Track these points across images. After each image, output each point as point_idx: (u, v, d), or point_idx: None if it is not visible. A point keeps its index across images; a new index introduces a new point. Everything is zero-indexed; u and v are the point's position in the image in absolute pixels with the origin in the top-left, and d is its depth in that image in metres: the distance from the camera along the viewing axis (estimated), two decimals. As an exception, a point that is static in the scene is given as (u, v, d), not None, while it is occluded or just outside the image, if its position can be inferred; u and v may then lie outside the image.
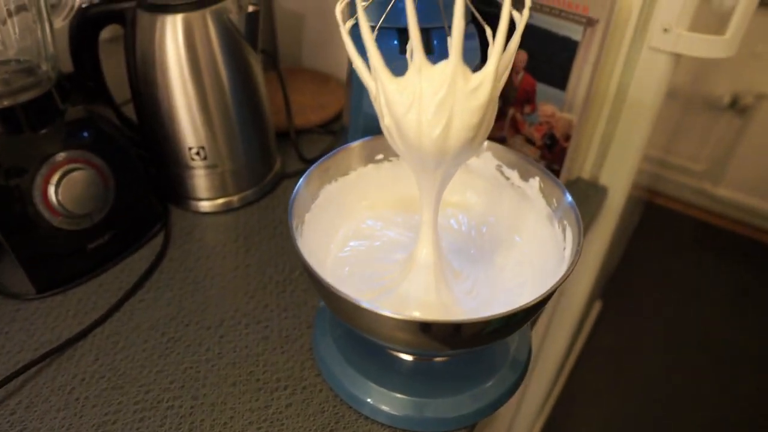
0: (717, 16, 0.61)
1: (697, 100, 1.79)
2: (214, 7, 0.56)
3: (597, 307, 1.65)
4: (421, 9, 0.48)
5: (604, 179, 0.73)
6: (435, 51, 0.52)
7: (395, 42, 0.52)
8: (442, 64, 0.31)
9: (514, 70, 0.64)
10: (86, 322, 0.54)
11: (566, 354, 1.11)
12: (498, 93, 0.32)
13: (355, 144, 0.49)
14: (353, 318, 0.37)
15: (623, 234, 1.44)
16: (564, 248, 0.43)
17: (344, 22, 0.32)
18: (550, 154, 0.66)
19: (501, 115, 0.68)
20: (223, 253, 0.62)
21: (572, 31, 0.58)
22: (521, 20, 0.33)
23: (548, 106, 0.63)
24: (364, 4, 0.31)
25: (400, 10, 0.49)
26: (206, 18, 0.56)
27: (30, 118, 0.52)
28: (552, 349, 1.03)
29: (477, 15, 0.37)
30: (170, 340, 0.53)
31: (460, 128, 0.31)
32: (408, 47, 0.32)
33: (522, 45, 0.61)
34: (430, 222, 0.38)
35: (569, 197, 0.44)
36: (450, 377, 0.48)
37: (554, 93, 0.62)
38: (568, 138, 0.64)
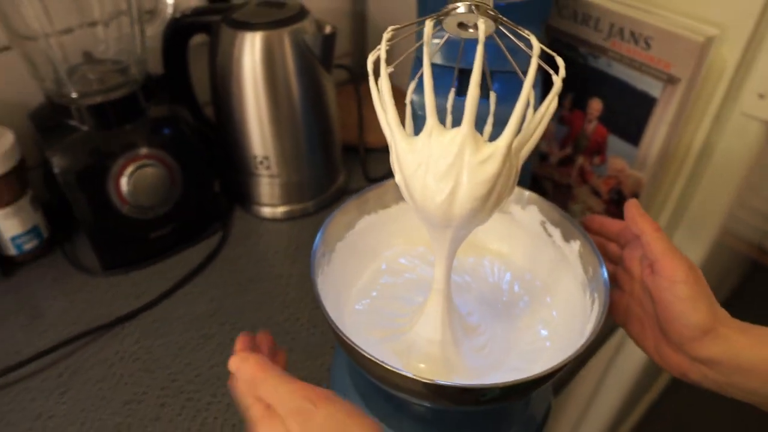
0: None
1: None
2: (292, 27, 0.59)
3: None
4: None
5: (677, 242, 0.68)
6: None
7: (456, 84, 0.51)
8: (454, 131, 0.30)
9: (587, 119, 0.61)
10: (137, 304, 0.59)
11: (622, 413, 1.05)
12: (515, 165, 0.32)
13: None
14: (351, 354, 0.38)
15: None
16: (588, 323, 0.41)
17: (374, 72, 0.33)
18: (616, 209, 0.63)
19: (570, 162, 0.66)
20: (272, 261, 0.65)
21: (651, 86, 0.55)
22: (554, 87, 0.31)
23: (618, 160, 0.60)
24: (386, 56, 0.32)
25: (464, 51, 0.49)
26: (283, 37, 0.58)
27: (117, 115, 0.57)
28: (602, 406, 0.98)
29: (508, 62, 0.36)
30: (204, 336, 0.56)
31: (465, 198, 0.30)
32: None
33: (598, 93, 0.59)
34: (442, 277, 0.38)
35: (605, 272, 0.42)
36: (462, 428, 0.47)
37: (626, 148, 0.59)
38: (635, 196, 0.60)
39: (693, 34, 0.51)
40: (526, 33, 0.30)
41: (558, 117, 0.65)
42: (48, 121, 0.58)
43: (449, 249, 0.35)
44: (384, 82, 0.32)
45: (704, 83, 0.55)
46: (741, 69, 0.54)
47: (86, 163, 0.56)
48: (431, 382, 0.34)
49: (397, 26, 0.32)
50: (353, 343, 0.35)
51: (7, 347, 0.55)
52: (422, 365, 0.41)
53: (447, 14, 0.32)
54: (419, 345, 0.40)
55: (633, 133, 0.58)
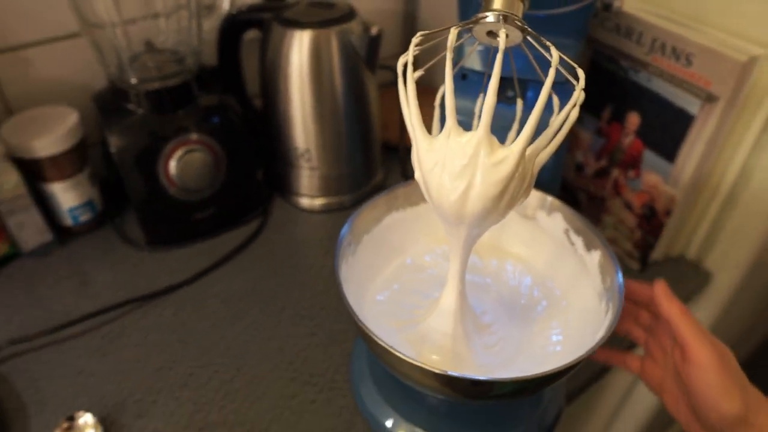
0: None
1: None
2: (339, 27, 0.61)
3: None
4: (518, 59, 0.49)
5: (710, 264, 0.67)
6: (528, 101, 0.52)
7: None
8: (471, 133, 0.32)
9: (624, 132, 0.61)
10: (177, 279, 0.63)
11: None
12: (530, 170, 0.33)
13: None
14: (367, 340, 0.40)
15: (755, 326, 1.28)
16: (599, 331, 0.42)
17: (403, 74, 0.35)
18: (648, 225, 0.63)
19: (605, 174, 0.66)
20: (306, 250, 0.68)
21: (690, 103, 0.54)
22: (573, 97, 0.32)
23: (653, 175, 0.60)
24: (413, 60, 0.34)
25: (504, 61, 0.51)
26: (330, 37, 0.61)
27: (171, 101, 0.61)
28: (627, 421, 0.97)
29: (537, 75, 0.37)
30: (236, 315, 0.60)
31: (477, 198, 0.32)
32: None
33: (636, 107, 0.59)
34: (456, 273, 0.39)
35: (620, 278, 0.43)
36: (470, 423, 0.48)
37: (661, 164, 0.59)
38: (668, 213, 0.60)
39: (736, 52, 0.50)
40: (548, 43, 0.32)
41: (596, 129, 0.65)
42: (109, 103, 0.62)
43: (464, 246, 0.37)
44: (410, 84, 0.34)
45: (746, 103, 0.54)
46: (786, 91, 0.53)
47: (140, 144, 0.60)
48: (442, 372, 0.35)
49: (426, 32, 0.34)
50: (367, 328, 0.37)
51: (58, 308, 0.60)
52: (434, 356, 0.42)
53: (476, 23, 0.34)
54: (432, 337, 0.42)
55: (669, 149, 0.58)
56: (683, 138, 0.56)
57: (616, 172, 0.64)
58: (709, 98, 0.53)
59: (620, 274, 0.43)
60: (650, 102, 0.58)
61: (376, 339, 0.37)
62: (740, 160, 0.58)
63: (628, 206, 0.64)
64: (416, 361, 0.35)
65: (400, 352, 0.36)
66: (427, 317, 0.43)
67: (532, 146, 0.32)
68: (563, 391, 0.52)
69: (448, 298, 0.41)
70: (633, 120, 0.60)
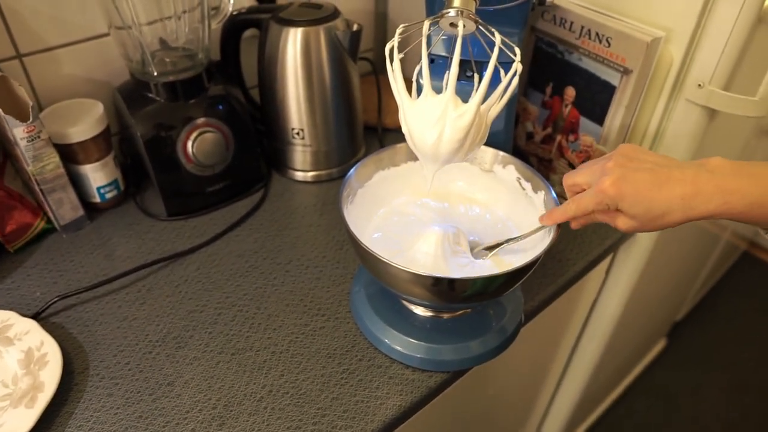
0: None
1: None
2: (326, 25, 0.73)
3: (661, 344, 1.66)
4: (474, 47, 0.62)
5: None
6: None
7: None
8: (441, 95, 0.45)
9: (563, 104, 0.75)
10: (196, 242, 0.74)
11: (594, 370, 1.17)
12: (483, 122, 0.46)
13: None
14: (364, 260, 0.52)
15: (691, 276, 1.45)
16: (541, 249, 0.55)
17: (391, 58, 0.47)
18: (586, 179, 0.76)
19: (550, 140, 0.79)
20: (303, 213, 0.80)
21: (611, 76, 0.68)
22: (513, 67, 0.45)
23: (588, 137, 0.74)
24: (398, 49, 0.46)
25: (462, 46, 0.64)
26: (319, 33, 0.73)
27: (184, 91, 0.72)
28: (580, 366, 1.12)
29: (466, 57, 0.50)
30: (250, 267, 0.71)
31: (448, 140, 0.45)
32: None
33: (572, 83, 0.73)
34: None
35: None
36: (448, 332, 0.61)
37: (594, 127, 0.73)
38: (601, 167, 0.74)
39: (642, 35, 0.64)
40: (493, 30, 0.45)
41: (541, 102, 0.78)
42: (132, 94, 0.73)
43: (436, 173, 0.50)
44: (396, 63, 0.46)
45: (656, 75, 0.68)
46: (684, 64, 0.68)
47: (163, 126, 0.71)
48: (428, 275, 0.48)
49: (407, 24, 0.47)
50: (369, 248, 0.50)
51: (96, 270, 0.70)
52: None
53: (442, 17, 0.47)
54: (419, 259, 0.54)
55: (599, 115, 0.71)
56: (608, 105, 0.70)
57: (559, 137, 0.78)
58: (626, 71, 0.67)
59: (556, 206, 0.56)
60: (582, 77, 0.72)
61: (378, 257, 0.49)
62: (656, 121, 0.72)
63: (571, 165, 0.78)
64: (411, 268, 0.48)
65: (397, 264, 0.48)
66: (414, 243, 0.55)
67: (485, 104, 0.45)
68: (521, 308, 0.66)
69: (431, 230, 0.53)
70: (570, 93, 0.74)
